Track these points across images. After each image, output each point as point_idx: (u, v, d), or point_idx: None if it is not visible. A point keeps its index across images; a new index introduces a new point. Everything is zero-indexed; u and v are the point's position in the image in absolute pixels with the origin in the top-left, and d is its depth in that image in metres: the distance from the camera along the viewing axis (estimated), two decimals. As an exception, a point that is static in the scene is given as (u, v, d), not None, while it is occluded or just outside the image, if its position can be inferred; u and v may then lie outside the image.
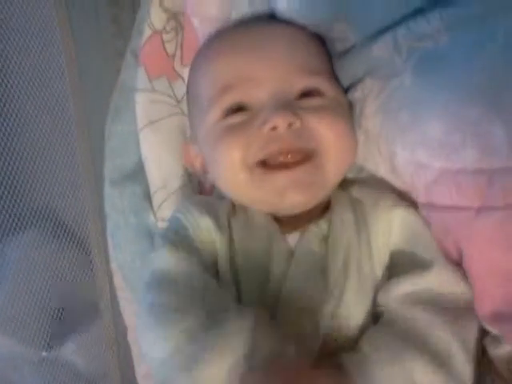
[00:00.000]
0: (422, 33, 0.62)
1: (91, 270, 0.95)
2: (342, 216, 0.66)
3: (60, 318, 0.95)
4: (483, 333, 0.61)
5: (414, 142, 0.61)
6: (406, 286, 0.61)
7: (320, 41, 0.70)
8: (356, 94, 0.67)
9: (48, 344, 0.93)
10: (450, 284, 0.60)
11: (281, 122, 0.61)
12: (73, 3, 0.86)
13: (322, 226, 0.65)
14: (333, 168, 0.64)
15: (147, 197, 0.84)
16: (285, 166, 0.62)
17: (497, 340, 0.61)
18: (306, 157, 0.62)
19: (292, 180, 0.62)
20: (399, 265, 0.64)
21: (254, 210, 0.67)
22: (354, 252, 0.64)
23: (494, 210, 0.57)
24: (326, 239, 0.65)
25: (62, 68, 0.90)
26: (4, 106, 0.89)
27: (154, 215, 0.83)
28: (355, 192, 0.70)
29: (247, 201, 0.67)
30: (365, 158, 0.69)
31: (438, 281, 0.60)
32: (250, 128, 0.62)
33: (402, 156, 0.63)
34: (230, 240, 0.66)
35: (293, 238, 0.65)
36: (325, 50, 0.70)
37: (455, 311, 0.59)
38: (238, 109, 0.64)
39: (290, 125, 0.61)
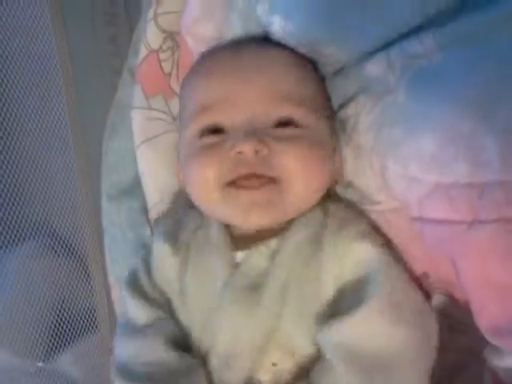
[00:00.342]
0: (416, 52, 0.63)
1: (89, 282, 0.96)
2: (297, 237, 0.67)
3: (57, 330, 0.96)
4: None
5: (406, 156, 0.63)
6: (336, 334, 0.61)
7: (310, 66, 0.71)
8: (349, 111, 0.69)
9: (44, 355, 0.93)
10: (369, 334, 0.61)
11: (247, 148, 0.63)
12: (70, 23, 0.88)
13: (271, 244, 0.67)
14: (295, 196, 0.65)
15: (144, 211, 0.85)
16: (249, 187, 0.64)
17: (499, 351, 0.62)
18: (269, 181, 0.64)
19: (253, 200, 0.64)
20: (341, 302, 0.63)
21: (214, 226, 0.70)
22: (298, 273, 0.65)
23: (487, 223, 0.58)
24: (273, 257, 0.66)
25: (59, 86, 0.91)
26: (3, 121, 0.90)
27: (151, 229, 0.85)
28: (329, 209, 0.70)
29: (217, 216, 0.70)
30: (354, 174, 0.71)
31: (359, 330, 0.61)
32: (222, 150, 0.64)
33: (394, 170, 0.64)
34: (186, 258, 0.71)
35: (243, 255, 0.67)
36: (314, 75, 0.72)
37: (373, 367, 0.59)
38: (215, 130, 0.66)
39: (256, 151, 0.63)
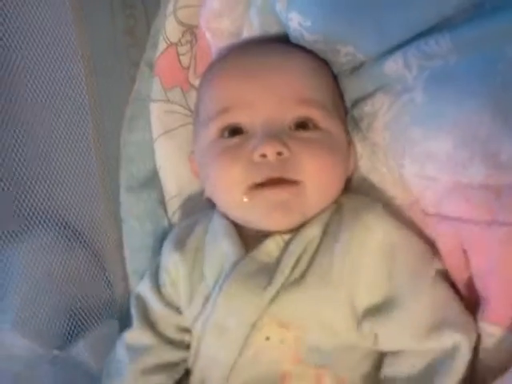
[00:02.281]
0: (432, 52, 0.64)
1: (104, 272, 0.98)
2: (311, 231, 0.67)
3: (73, 318, 0.97)
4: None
5: (422, 156, 0.64)
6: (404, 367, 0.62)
7: (327, 67, 0.73)
8: (366, 108, 0.70)
9: (61, 343, 0.94)
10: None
11: (270, 150, 0.64)
12: (89, 15, 0.89)
13: (285, 236, 0.68)
14: (314, 198, 0.67)
15: (162, 203, 0.87)
16: (271, 186, 0.65)
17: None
18: (291, 183, 0.65)
19: (278, 199, 0.65)
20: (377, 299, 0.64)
21: (223, 226, 0.72)
22: (309, 262, 0.66)
23: (504, 224, 0.59)
24: (286, 248, 0.67)
25: (79, 77, 0.92)
26: (20, 114, 0.91)
27: (169, 221, 0.86)
28: (342, 200, 0.71)
29: (239, 216, 0.71)
30: (369, 171, 0.72)
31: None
32: (244, 152, 0.65)
33: (410, 169, 0.65)
34: (194, 261, 0.73)
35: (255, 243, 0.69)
36: (330, 77, 0.73)
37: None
38: (235, 131, 0.67)
39: (279, 153, 0.64)
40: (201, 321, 0.69)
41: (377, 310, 0.63)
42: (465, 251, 0.63)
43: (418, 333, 0.61)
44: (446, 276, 0.66)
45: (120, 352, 0.76)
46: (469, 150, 0.60)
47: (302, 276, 0.65)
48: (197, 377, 0.70)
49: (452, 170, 0.62)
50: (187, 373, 0.74)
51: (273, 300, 0.64)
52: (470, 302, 0.66)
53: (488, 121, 0.59)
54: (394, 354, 0.63)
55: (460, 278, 0.65)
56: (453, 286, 0.66)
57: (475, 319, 0.62)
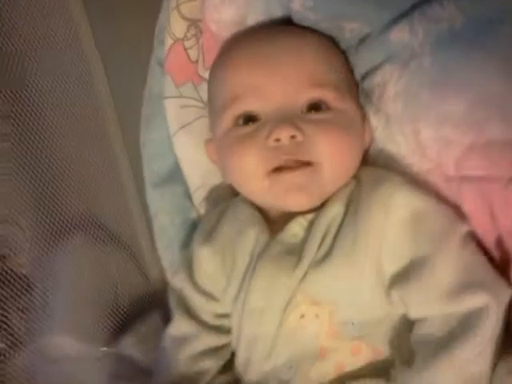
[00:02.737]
0: (437, 16, 0.64)
1: (141, 269, 1.00)
2: (332, 210, 0.68)
3: (116, 315, 0.99)
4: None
5: (437, 119, 0.64)
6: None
7: (333, 48, 0.73)
8: (376, 79, 0.70)
9: (107, 340, 0.97)
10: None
11: (283, 134, 0.65)
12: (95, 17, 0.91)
13: (308, 217, 0.69)
14: (330, 178, 0.68)
15: (188, 196, 0.88)
16: (287, 170, 0.66)
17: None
18: (306, 164, 0.66)
19: (295, 180, 0.66)
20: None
21: (248, 212, 0.74)
22: (333, 238, 0.67)
23: None
24: (310, 228, 0.68)
25: (91, 80, 0.95)
26: (39, 121, 0.93)
27: (197, 212, 0.88)
28: (360, 174, 0.72)
29: (260, 200, 0.73)
30: (385, 141, 0.72)
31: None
32: (259, 139, 0.67)
33: (427, 134, 0.66)
34: (225, 250, 0.75)
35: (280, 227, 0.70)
36: (339, 55, 0.73)
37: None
38: (250, 118, 0.69)
39: (292, 137, 0.65)
40: (239, 304, 0.71)
41: (403, 276, 0.63)
42: (491, 211, 0.63)
43: (445, 295, 0.60)
44: (474, 238, 0.66)
45: (166, 345, 0.79)
46: (484, 109, 0.61)
47: (329, 253, 0.66)
48: (241, 357, 0.72)
49: (469, 130, 0.62)
50: (233, 355, 0.76)
51: (302, 279, 0.66)
52: (501, 263, 0.66)
53: (499, 79, 0.60)
54: (423, 319, 0.63)
55: (489, 239, 0.66)
56: (482, 247, 0.66)
57: (508, 280, 0.62)
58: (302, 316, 0.66)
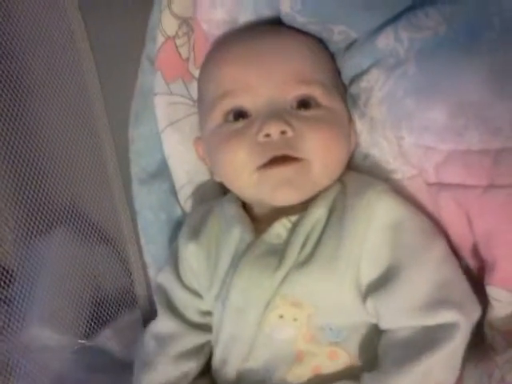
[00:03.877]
0: (422, 25, 0.65)
1: (124, 263, 1.00)
2: (317, 211, 0.69)
3: (96, 308, 0.99)
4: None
5: (420, 126, 0.65)
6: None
7: (322, 49, 0.74)
8: (362, 84, 0.71)
9: (86, 333, 0.97)
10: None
11: (273, 129, 0.66)
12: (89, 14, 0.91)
13: (292, 218, 0.69)
14: (318, 175, 0.69)
15: (173, 192, 0.89)
16: (276, 165, 0.67)
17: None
18: (295, 160, 0.67)
19: (284, 176, 0.67)
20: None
21: (234, 209, 0.74)
22: (317, 240, 0.67)
23: (502, 187, 0.61)
24: (293, 229, 0.69)
25: (81, 72, 0.95)
26: (25, 113, 0.93)
27: (182, 209, 0.88)
28: (346, 179, 0.72)
29: (248, 196, 0.73)
30: (370, 145, 0.73)
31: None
32: (249, 135, 0.67)
33: (409, 141, 0.67)
34: (210, 248, 0.75)
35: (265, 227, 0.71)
36: (327, 55, 0.75)
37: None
38: (240, 114, 0.69)
39: (282, 132, 0.66)
40: (220, 303, 0.72)
41: (378, 284, 0.64)
42: (468, 218, 0.64)
43: (417, 309, 0.61)
44: (451, 247, 0.67)
45: (148, 343, 0.79)
46: (463, 117, 0.62)
47: (311, 256, 0.67)
48: (218, 357, 0.72)
49: (449, 139, 0.63)
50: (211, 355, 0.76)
51: (284, 280, 0.67)
52: (476, 270, 0.67)
53: (479, 88, 0.61)
54: (392, 331, 0.64)
55: (465, 246, 0.67)
56: (458, 255, 0.67)
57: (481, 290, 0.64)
58: (281, 316, 0.67)
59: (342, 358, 0.66)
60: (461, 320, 0.60)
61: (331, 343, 0.66)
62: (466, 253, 0.67)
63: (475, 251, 0.66)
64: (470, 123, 0.62)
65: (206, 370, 0.77)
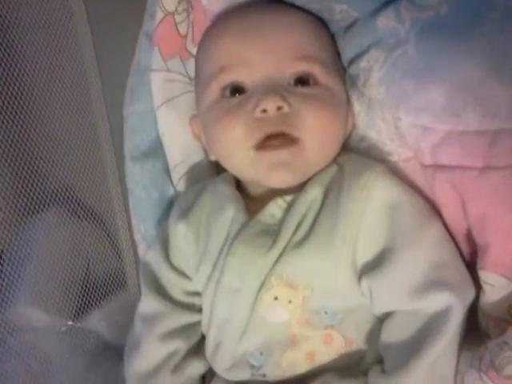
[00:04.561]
0: (423, 4, 0.65)
1: (114, 243, 1.00)
2: (312, 192, 0.68)
3: (85, 289, 0.98)
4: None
5: (417, 107, 0.65)
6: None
7: (323, 28, 0.74)
8: (361, 64, 0.70)
9: (74, 314, 0.96)
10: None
11: (270, 105, 0.65)
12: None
13: (287, 198, 0.69)
14: (314, 155, 0.68)
15: (167, 171, 0.88)
16: (272, 148, 0.66)
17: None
18: (291, 141, 0.66)
19: (279, 159, 0.66)
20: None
21: (227, 189, 0.74)
22: (312, 221, 0.67)
23: (497, 169, 0.60)
24: (288, 209, 0.68)
25: (78, 50, 0.94)
26: (18, 92, 0.92)
27: (175, 189, 0.87)
28: (342, 161, 0.72)
29: (243, 175, 0.72)
30: (367, 127, 0.73)
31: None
32: (246, 111, 0.66)
33: (407, 121, 0.66)
34: (199, 229, 0.75)
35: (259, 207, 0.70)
36: (327, 34, 0.74)
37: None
38: (237, 89, 0.68)
39: (279, 108, 0.65)
40: (212, 284, 0.71)
41: (374, 264, 0.64)
42: (462, 200, 0.64)
43: (412, 290, 0.61)
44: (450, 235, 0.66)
45: (136, 324, 0.78)
46: (461, 98, 0.61)
47: (306, 237, 0.66)
48: (212, 340, 0.72)
49: (447, 119, 0.63)
50: (204, 339, 0.75)
51: (278, 260, 0.66)
52: (469, 254, 0.67)
53: (478, 69, 0.61)
54: (389, 319, 0.63)
55: (459, 229, 0.66)
56: (452, 237, 0.67)
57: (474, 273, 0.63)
58: (276, 298, 0.66)
59: (337, 341, 0.65)
60: (456, 302, 0.60)
61: (326, 326, 0.65)
62: (460, 237, 0.67)
63: (468, 235, 0.66)
64: (468, 105, 0.61)
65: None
